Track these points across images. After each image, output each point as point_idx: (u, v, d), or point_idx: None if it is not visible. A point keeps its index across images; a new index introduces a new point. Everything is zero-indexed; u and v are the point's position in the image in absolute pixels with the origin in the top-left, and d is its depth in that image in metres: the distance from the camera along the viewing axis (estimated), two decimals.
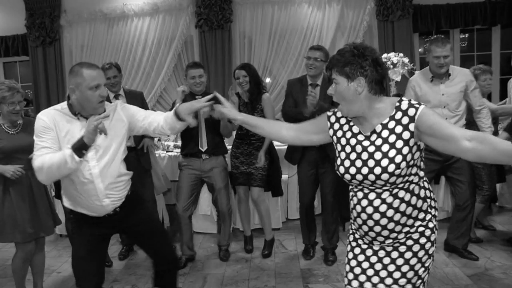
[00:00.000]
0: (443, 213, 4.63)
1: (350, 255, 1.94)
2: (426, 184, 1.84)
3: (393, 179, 1.71)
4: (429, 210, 1.83)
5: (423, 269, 1.81)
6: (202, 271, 3.76)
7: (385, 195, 1.75)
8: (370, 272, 1.85)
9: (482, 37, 6.74)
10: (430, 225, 1.82)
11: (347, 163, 1.80)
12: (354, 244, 1.94)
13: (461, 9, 6.25)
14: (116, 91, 3.92)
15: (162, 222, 4.59)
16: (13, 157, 2.96)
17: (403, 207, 1.75)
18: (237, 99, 3.98)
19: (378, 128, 1.75)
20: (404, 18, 6.18)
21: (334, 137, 1.89)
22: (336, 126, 1.89)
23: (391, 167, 1.70)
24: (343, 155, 1.83)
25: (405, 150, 1.70)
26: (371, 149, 1.75)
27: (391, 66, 5.13)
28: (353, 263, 1.91)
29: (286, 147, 3.93)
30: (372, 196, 1.77)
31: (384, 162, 1.70)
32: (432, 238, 1.82)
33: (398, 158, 1.70)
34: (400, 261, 1.80)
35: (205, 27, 6.31)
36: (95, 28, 6.63)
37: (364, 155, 1.76)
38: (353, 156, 1.79)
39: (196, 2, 6.33)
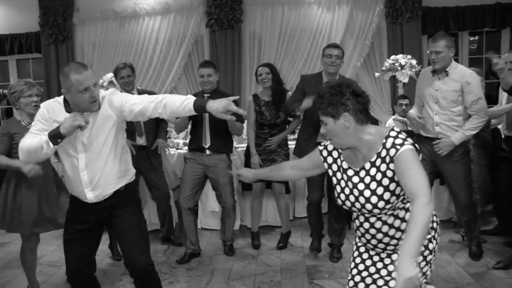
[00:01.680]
0: (448, 214, 4.67)
1: (352, 264, 2.03)
2: None
3: (385, 211, 1.80)
4: (429, 231, 1.88)
5: None
6: (209, 266, 3.83)
7: (385, 217, 1.84)
8: (368, 280, 1.93)
9: (492, 40, 6.75)
10: (430, 246, 1.88)
11: (342, 196, 1.90)
12: (356, 254, 2.03)
13: (470, 12, 6.28)
14: (129, 90, 4.01)
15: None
16: None
17: (403, 226, 1.82)
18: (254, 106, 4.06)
19: (367, 165, 1.83)
20: (413, 20, 6.22)
21: (330, 171, 1.99)
22: (330, 159, 1.99)
23: (381, 204, 1.78)
24: (338, 188, 1.92)
25: (392, 186, 1.77)
26: (361, 186, 1.83)
27: (399, 68, 5.18)
28: (354, 271, 2.00)
29: (294, 143, 3.98)
30: (372, 219, 1.86)
31: (374, 199, 1.78)
32: (428, 258, 1.88)
33: (387, 195, 1.77)
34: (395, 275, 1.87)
35: (216, 27, 6.39)
36: (107, 26, 6.74)
37: (355, 192, 1.84)
38: (347, 190, 1.88)
39: (207, 2, 6.42)
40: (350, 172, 1.89)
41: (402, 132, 1.79)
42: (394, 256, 1.89)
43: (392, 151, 1.74)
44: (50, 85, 6.90)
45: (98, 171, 2.37)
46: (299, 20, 6.45)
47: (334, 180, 1.96)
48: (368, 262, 1.96)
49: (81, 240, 2.50)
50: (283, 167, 2.27)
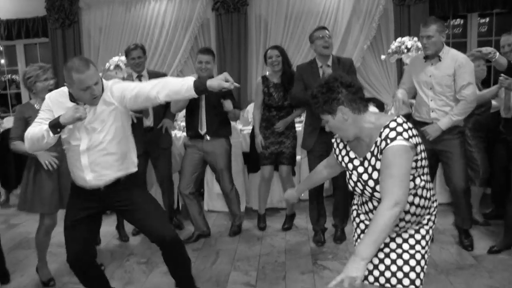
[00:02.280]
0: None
1: (358, 231, 2.08)
2: (427, 185, 1.91)
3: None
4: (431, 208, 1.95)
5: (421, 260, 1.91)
6: (214, 246, 3.90)
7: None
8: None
9: (502, 22, 6.62)
10: (430, 224, 1.94)
11: (351, 183, 1.94)
12: (358, 220, 2.08)
13: None
14: (139, 71, 4.06)
15: (178, 201, 4.73)
16: None
17: (412, 209, 1.86)
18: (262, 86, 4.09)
19: (368, 155, 1.86)
20: (420, 2, 6.14)
21: (339, 159, 2.03)
22: (338, 150, 2.04)
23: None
24: (348, 174, 1.97)
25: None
26: (365, 176, 1.87)
27: (405, 51, 5.13)
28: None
29: (301, 129, 4.00)
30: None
31: (380, 188, 1.81)
32: (429, 233, 1.94)
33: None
34: (405, 246, 1.91)
35: (222, 10, 6.37)
36: (113, 10, 6.75)
37: (361, 181, 1.88)
38: (354, 178, 1.92)
39: None
40: (356, 162, 1.93)
41: (403, 124, 1.78)
42: (404, 235, 1.94)
43: (383, 144, 1.76)
44: (57, 69, 6.93)
45: (99, 155, 2.43)
46: (305, 3, 6.39)
47: (344, 167, 2.01)
48: None
49: (82, 227, 2.56)
50: (318, 172, 2.31)
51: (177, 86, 2.32)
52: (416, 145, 1.77)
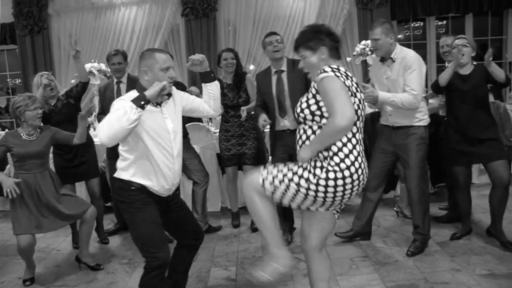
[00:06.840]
0: None
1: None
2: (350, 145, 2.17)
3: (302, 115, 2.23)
4: (330, 162, 2.15)
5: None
6: None
7: (306, 127, 2.25)
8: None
9: (458, 25, 7.06)
10: (323, 175, 2.14)
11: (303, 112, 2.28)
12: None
13: None
14: (119, 77, 4.09)
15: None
16: (25, 161, 3.31)
17: (333, 147, 2.15)
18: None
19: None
20: (382, 6, 6.48)
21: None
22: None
23: (303, 108, 2.22)
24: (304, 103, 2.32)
25: (312, 101, 2.18)
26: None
27: (369, 53, 5.41)
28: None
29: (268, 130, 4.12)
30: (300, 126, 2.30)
31: (303, 105, 2.22)
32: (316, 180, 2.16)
33: (304, 105, 2.21)
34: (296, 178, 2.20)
35: (191, 16, 6.52)
36: (83, 17, 6.82)
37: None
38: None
39: None
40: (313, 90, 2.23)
41: (338, 69, 2.15)
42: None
43: (321, 76, 2.15)
44: (26, 76, 6.92)
45: (180, 158, 2.57)
46: (272, 7, 6.63)
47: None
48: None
49: (159, 224, 2.54)
50: None
51: (215, 90, 2.75)
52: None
